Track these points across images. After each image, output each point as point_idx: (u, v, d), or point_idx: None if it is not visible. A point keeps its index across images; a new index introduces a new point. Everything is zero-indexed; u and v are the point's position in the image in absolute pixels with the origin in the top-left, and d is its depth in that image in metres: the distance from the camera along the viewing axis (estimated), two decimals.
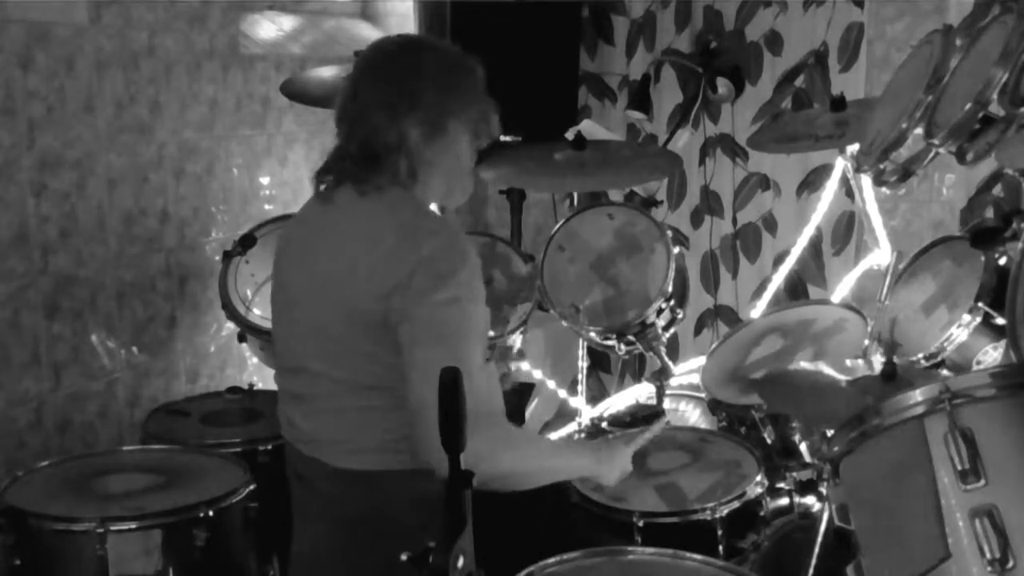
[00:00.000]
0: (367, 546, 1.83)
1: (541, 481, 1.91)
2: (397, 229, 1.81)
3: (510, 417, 1.99)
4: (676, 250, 2.76)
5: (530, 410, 3.23)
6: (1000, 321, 2.19)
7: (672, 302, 2.75)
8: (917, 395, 1.55)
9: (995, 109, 1.97)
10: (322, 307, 1.84)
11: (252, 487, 2.25)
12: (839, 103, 2.89)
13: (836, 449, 1.66)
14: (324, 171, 1.93)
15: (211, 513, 2.12)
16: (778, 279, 3.72)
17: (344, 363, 1.83)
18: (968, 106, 1.97)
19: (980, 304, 2.22)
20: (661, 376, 2.84)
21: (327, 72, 3.14)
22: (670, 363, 2.81)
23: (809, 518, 2.24)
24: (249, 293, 2.92)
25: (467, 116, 1.91)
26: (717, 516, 2.16)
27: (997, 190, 3.42)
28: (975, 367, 2.23)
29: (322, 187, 1.93)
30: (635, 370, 3.94)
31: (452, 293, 1.75)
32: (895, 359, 2.13)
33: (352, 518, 1.87)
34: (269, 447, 2.50)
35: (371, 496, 1.84)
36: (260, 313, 2.84)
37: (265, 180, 3.44)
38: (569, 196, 3.49)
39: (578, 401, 3.10)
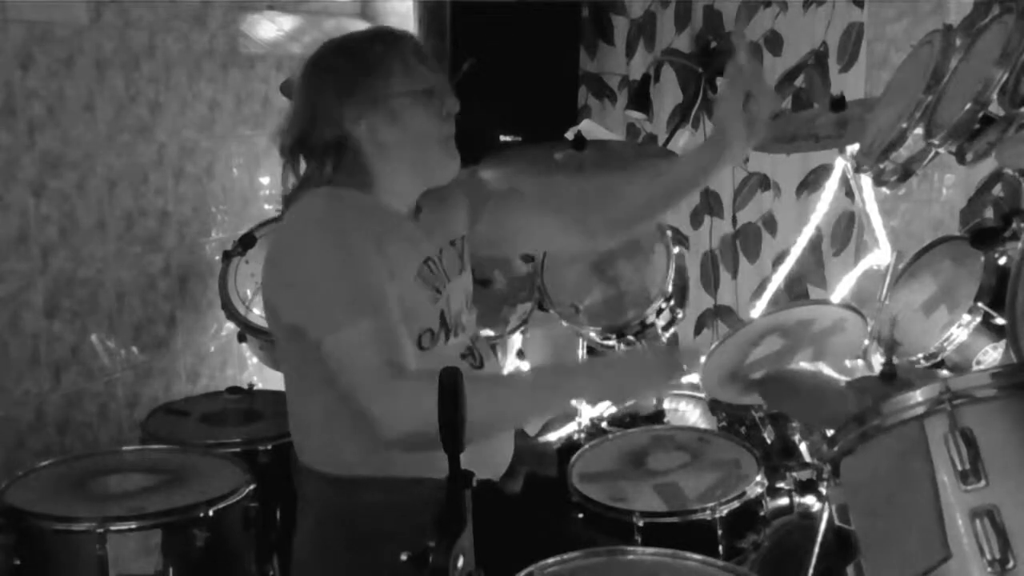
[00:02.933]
0: (338, 549, 1.86)
1: (493, 431, 1.83)
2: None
3: None
4: (676, 250, 2.76)
5: None
6: (1000, 321, 2.19)
7: (672, 302, 2.76)
8: (917, 395, 1.55)
9: (995, 109, 1.97)
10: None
11: (252, 487, 2.25)
12: (839, 103, 2.89)
13: (836, 449, 1.66)
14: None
15: (211, 513, 2.12)
16: (778, 279, 3.71)
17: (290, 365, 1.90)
18: (968, 106, 1.97)
19: (980, 304, 2.23)
20: None
21: None
22: None
23: (809, 518, 2.24)
24: (249, 293, 2.92)
25: (404, 90, 1.86)
26: (717, 516, 2.16)
27: (997, 190, 3.41)
28: (975, 367, 2.23)
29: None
30: None
31: (292, 277, 1.79)
32: (895, 359, 2.13)
33: (323, 519, 1.90)
34: (269, 447, 2.50)
35: (336, 499, 1.87)
36: (260, 313, 2.84)
37: (265, 180, 3.44)
38: None
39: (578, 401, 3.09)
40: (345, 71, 1.87)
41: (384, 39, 1.91)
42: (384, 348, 1.70)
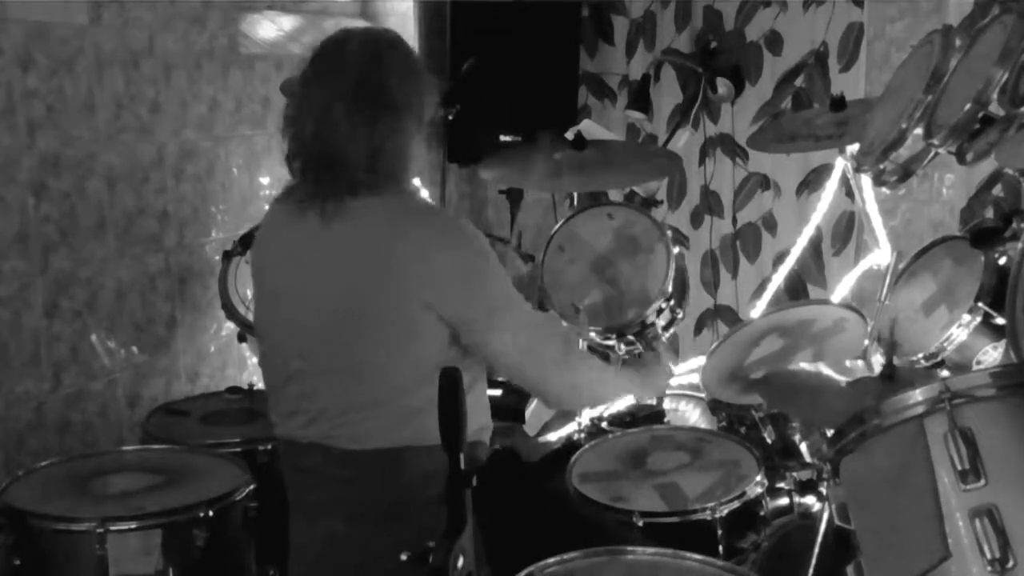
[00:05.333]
0: (384, 527, 1.87)
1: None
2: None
3: (511, 416, 2.02)
4: (676, 250, 2.75)
5: (530, 410, 3.23)
6: (1000, 321, 2.19)
7: (672, 302, 2.75)
8: (917, 395, 1.55)
9: (995, 109, 1.97)
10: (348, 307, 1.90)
11: (252, 487, 2.25)
12: (839, 103, 2.88)
13: (836, 449, 1.66)
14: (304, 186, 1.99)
15: (211, 513, 2.12)
16: (778, 279, 3.71)
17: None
18: (968, 106, 1.97)
19: (980, 304, 2.22)
20: None
21: None
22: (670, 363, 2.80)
23: (809, 518, 2.24)
24: (249, 293, 2.92)
25: (427, 99, 1.99)
26: (717, 516, 2.16)
27: (997, 190, 3.42)
28: (975, 367, 2.22)
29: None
30: None
31: (471, 284, 1.91)
32: (895, 359, 2.12)
33: (367, 499, 1.91)
34: (269, 447, 2.49)
35: (389, 474, 1.90)
36: None
37: (265, 180, 3.44)
38: (569, 196, 3.49)
39: None
40: (427, 79, 1.98)
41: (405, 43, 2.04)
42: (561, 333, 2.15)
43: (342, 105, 1.89)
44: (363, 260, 1.89)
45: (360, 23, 4.02)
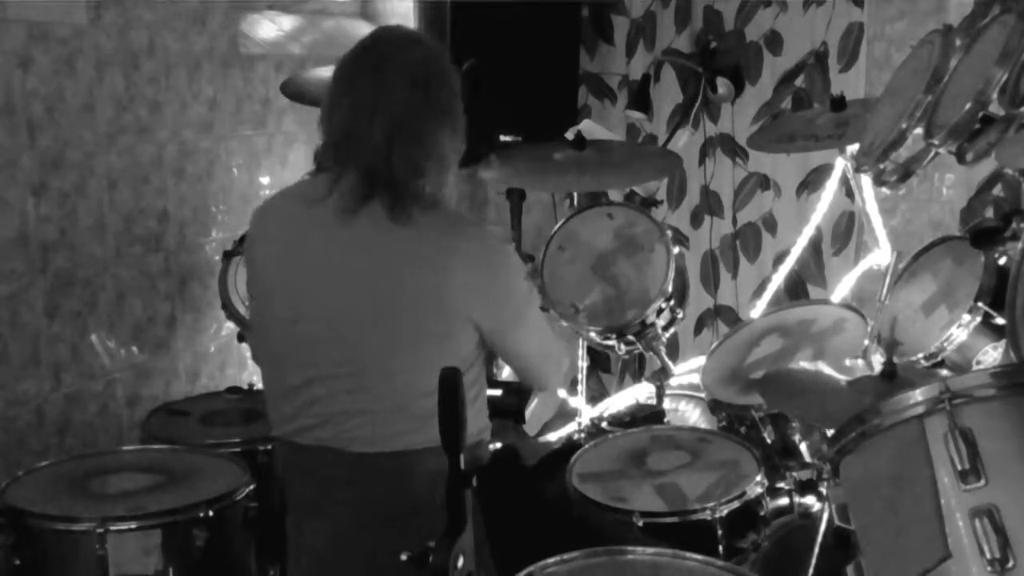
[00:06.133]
0: (394, 527, 1.87)
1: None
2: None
3: (511, 416, 2.03)
4: (676, 250, 2.76)
5: (530, 410, 3.23)
6: (1000, 321, 2.19)
7: (672, 302, 2.75)
8: (917, 395, 1.55)
9: (995, 109, 1.97)
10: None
11: (252, 487, 2.25)
12: (839, 103, 2.89)
13: (836, 449, 1.66)
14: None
15: (211, 513, 2.12)
16: (778, 279, 3.72)
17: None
18: (968, 106, 1.97)
19: (980, 304, 2.22)
20: (661, 376, 2.84)
21: (327, 72, 3.12)
22: (670, 363, 2.81)
23: (809, 518, 2.24)
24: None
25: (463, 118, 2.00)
26: (717, 516, 2.16)
27: (997, 190, 3.42)
28: (975, 367, 2.23)
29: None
30: (635, 370, 3.94)
31: (506, 292, 1.99)
32: (895, 359, 2.13)
33: (378, 501, 1.91)
34: (269, 447, 2.49)
35: (402, 476, 1.90)
36: None
37: (265, 180, 3.44)
38: (569, 196, 3.49)
39: (578, 401, 3.10)
40: (446, 79, 1.98)
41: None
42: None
43: (408, 110, 1.90)
44: (409, 270, 1.88)
45: (360, 23, 4.02)
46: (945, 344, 2.28)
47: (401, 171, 1.89)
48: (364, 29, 3.95)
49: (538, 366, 2.13)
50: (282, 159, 3.50)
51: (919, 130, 2.15)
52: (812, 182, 3.80)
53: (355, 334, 1.90)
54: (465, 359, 1.93)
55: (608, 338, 2.78)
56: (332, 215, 1.91)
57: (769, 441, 2.52)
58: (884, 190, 2.83)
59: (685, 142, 3.96)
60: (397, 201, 1.88)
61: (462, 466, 1.43)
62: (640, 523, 2.13)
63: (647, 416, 2.85)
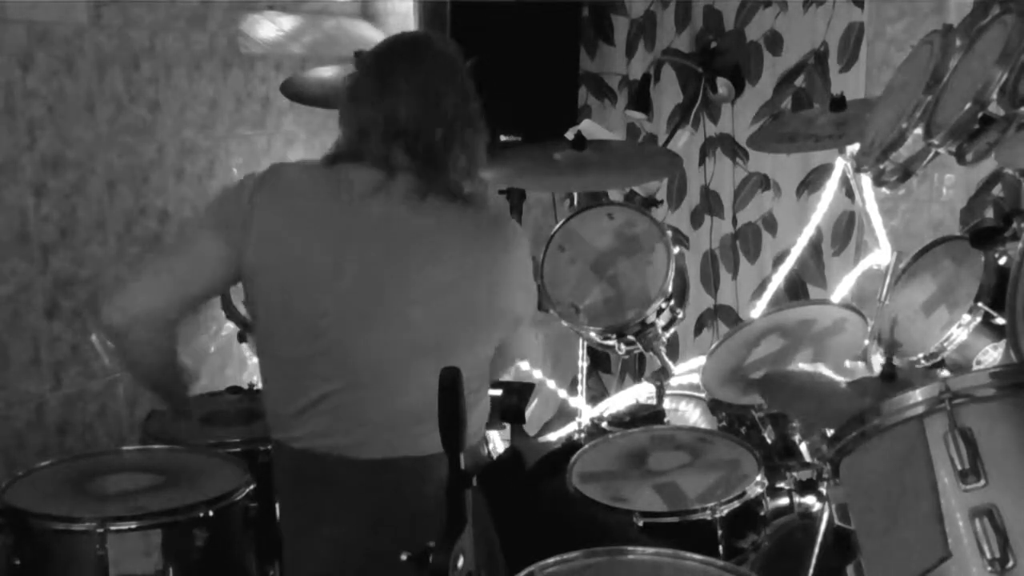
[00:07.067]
0: (403, 533, 1.85)
1: None
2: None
3: (511, 416, 2.03)
4: (676, 250, 2.76)
5: (530, 410, 3.23)
6: (1000, 321, 2.19)
7: (672, 302, 2.75)
8: (917, 395, 1.55)
9: (995, 109, 1.97)
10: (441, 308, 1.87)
11: (252, 487, 2.25)
12: (839, 103, 2.89)
13: (836, 449, 1.66)
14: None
15: (211, 513, 2.12)
16: (778, 279, 3.72)
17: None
18: (968, 106, 1.97)
19: (980, 304, 2.22)
20: (661, 376, 2.84)
21: (327, 72, 3.14)
22: (670, 363, 2.81)
23: (809, 518, 2.24)
24: None
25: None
26: (717, 516, 2.16)
27: (997, 190, 3.42)
28: (975, 367, 2.23)
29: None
30: (635, 370, 3.94)
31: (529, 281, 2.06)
32: (895, 359, 2.13)
33: (390, 506, 1.90)
34: (269, 447, 2.49)
35: (416, 480, 1.88)
36: None
37: None
38: (569, 196, 3.50)
39: (578, 401, 3.10)
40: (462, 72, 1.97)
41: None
42: None
43: (454, 103, 1.91)
44: (463, 276, 1.87)
45: (360, 23, 4.02)
46: (945, 344, 2.28)
47: (454, 173, 1.90)
48: (364, 29, 3.96)
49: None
50: (282, 159, 3.50)
51: (919, 130, 2.15)
52: (812, 182, 3.80)
53: (403, 350, 1.86)
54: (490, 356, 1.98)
55: (608, 338, 2.78)
56: (391, 217, 1.86)
57: (769, 441, 2.52)
58: (884, 190, 2.83)
59: (685, 142, 3.96)
60: (434, 192, 1.87)
61: (462, 466, 1.42)
62: (640, 523, 2.13)
63: (647, 416, 2.85)
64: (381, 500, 1.91)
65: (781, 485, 2.35)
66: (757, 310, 3.70)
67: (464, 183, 1.91)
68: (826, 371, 2.29)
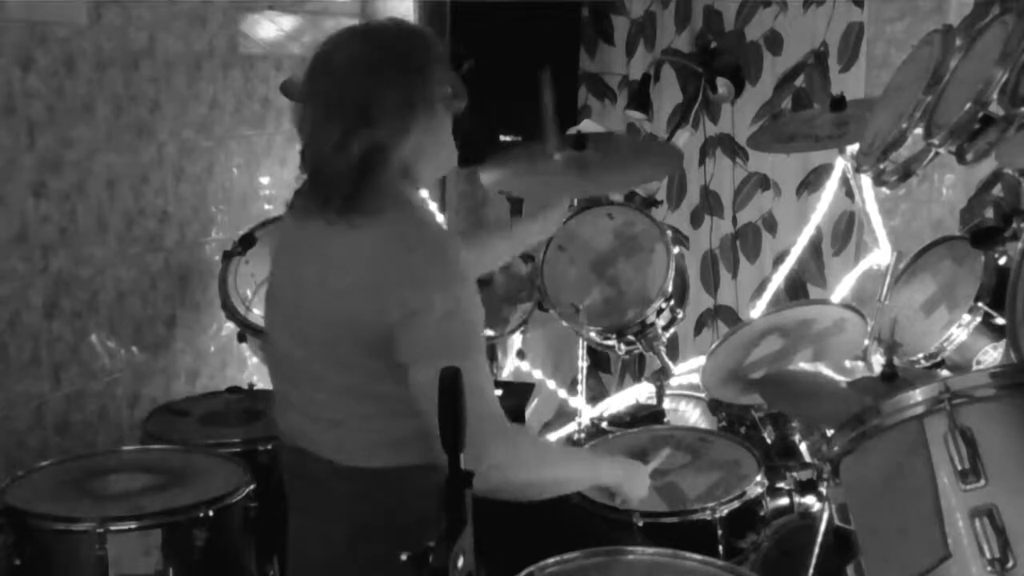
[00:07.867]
0: (376, 542, 1.83)
1: (557, 492, 1.92)
2: (386, 252, 1.75)
3: (512, 417, 2.01)
4: (676, 250, 2.76)
5: (530, 410, 3.23)
6: (1000, 321, 2.20)
7: (672, 302, 2.76)
8: (917, 395, 1.55)
9: (995, 109, 1.97)
10: (326, 323, 1.80)
11: (252, 487, 2.25)
12: (839, 103, 2.88)
13: (836, 449, 1.66)
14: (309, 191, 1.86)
15: (211, 513, 2.12)
16: (778, 279, 3.72)
17: (350, 372, 1.81)
18: (968, 106, 1.97)
19: (980, 304, 2.23)
20: (661, 376, 2.84)
21: None
22: (670, 363, 2.81)
23: (809, 518, 2.24)
24: (249, 293, 2.93)
25: (436, 91, 1.81)
26: (717, 516, 2.16)
27: (997, 190, 3.42)
28: (975, 367, 2.23)
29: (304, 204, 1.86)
30: (635, 370, 3.94)
31: (446, 308, 1.71)
32: (895, 359, 2.13)
33: (363, 513, 1.87)
34: (269, 447, 2.50)
35: (381, 492, 1.85)
36: (260, 313, 2.84)
37: (265, 180, 3.44)
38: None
39: (578, 401, 3.09)
40: (394, 71, 1.77)
41: (423, 37, 1.86)
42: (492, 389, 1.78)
43: (330, 123, 1.76)
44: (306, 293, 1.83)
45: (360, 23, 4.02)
46: (945, 344, 2.28)
47: (328, 182, 1.78)
48: None
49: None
50: (282, 159, 3.50)
51: (919, 130, 2.15)
52: (812, 182, 3.80)
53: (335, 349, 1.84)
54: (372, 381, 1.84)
55: (608, 338, 2.78)
56: (300, 222, 1.87)
57: (769, 441, 2.52)
58: (884, 190, 2.83)
59: (685, 142, 3.96)
60: (326, 213, 1.78)
61: (462, 466, 1.42)
62: (640, 523, 2.13)
63: (647, 416, 2.86)
64: (355, 507, 1.87)
65: (781, 485, 2.35)
66: (757, 310, 3.70)
67: (357, 200, 1.75)
68: (826, 371, 2.29)
